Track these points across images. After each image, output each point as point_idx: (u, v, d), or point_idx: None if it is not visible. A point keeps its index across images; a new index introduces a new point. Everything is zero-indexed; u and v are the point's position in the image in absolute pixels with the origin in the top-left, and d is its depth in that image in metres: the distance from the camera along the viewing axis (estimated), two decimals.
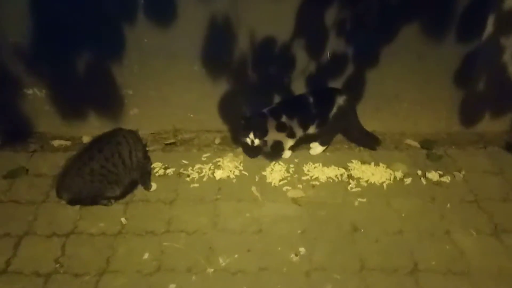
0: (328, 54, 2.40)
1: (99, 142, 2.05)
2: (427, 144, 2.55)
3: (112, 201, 2.12)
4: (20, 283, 1.76)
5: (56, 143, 2.59)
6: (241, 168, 2.42)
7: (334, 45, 2.37)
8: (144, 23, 2.29)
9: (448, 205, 2.14)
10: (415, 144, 2.58)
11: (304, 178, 2.35)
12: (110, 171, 2.00)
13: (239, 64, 2.42)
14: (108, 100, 2.56)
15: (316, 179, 2.34)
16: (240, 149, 2.57)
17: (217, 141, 2.64)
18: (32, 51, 2.36)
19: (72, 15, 2.29)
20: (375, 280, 1.76)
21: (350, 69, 2.45)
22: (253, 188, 2.27)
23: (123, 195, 2.16)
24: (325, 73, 2.46)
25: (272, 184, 2.30)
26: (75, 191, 2.00)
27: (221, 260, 1.87)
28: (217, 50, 2.39)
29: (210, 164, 2.43)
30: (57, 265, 1.84)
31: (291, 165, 2.43)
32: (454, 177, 2.31)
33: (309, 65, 2.44)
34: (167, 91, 2.52)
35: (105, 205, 2.11)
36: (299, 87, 2.51)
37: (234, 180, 2.33)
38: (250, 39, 2.35)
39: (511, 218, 2.05)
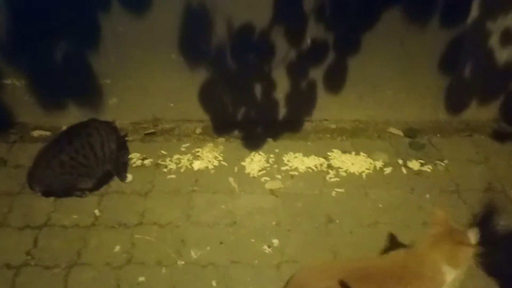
0: (308, 41, 2.33)
1: (69, 133, 2.03)
2: (410, 132, 2.50)
3: (87, 192, 2.11)
4: None
5: (36, 133, 2.57)
6: (221, 158, 2.39)
7: (314, 31, 2.30)
8: (118, 11, 2.23)
9: (428, 195, 2.09)
10: (399, 132, 2.52)
11: (283, 168, 2.31)
12: (80, 163, 1.97)
13: (218, 52, 2.37)
14: (86, 89, 2.52)
15: (296, 169, 2.30)
16: (221, 139, 2.54)
17: (198, 131, 2.60)
18: (9, 41, 2.32)
19: (48, 4, 2.25)
20: None
21: (331, 56, 2.38)
22: (231, 179, 2.24)
23: (97, 187, 2.14)
24: (306, 61, 2.40)
25: (251, 175, 2.27)
26: (46, 183, 1.99)
27: (192, 253, 1.85)
28: (194, 38, 2.33)
29: (189, 155, 2.40)
30: (29, 257, 1.83)
31: (271, 155, 2.39)
32: (436, 166, 2.26)
33: (289, 53, 2.38)
34: (145, 80, 2.48)
35: (79, 196, 2.09)
36: (280, 75, 2.45)
37: (212, 171, 2.30)
38: (227, 26, 2.28)
39: (491, 209, 2.00)
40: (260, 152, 2.42)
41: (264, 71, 2.44)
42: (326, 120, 2.64)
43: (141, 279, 1.74)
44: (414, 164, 2.28)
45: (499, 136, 2.46)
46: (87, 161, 1.99)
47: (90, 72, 2.44)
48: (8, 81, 2.48)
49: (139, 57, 2.40)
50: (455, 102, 2.52)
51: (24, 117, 2.61)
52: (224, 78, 2.47)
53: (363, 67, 2.41)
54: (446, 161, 2.29)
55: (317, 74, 2.45)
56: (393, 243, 1.85)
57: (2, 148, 2.45)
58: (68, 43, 2.35)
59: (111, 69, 2.44)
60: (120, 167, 2.19)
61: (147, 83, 2.50)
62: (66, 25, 2.29)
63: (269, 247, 1.87)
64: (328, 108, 2.59)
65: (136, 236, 1.92)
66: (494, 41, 2.29)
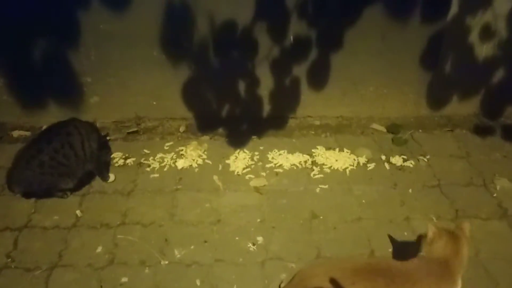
0: (291, 38, 2.33)
1: (48, 133, 1.99)
2: (393, 128, 2.51)
3: (68, 193, 2.07)
4: None
5: (15, 133, 2.53)
6: (205, 156, 2.37)
7: (296, 28, 2.29)
8: (99, 9, 2.20)
9: (410, 190, 2.11)
10: (381, 128, 2.54)
11: (268, 165, 2.30)
12: (61, 163, 1.94)
13: (200, 49, 2.35)
14: (67, 88, 2.48)
15: (280, 166, 2.30)
16: (205, 137, 2.52)
17: (181, 129, 2.58)
18: None
19: (26, 2, 2.20)
20: None
21: (314, 53, 2.38)
22: (215, 178, 2.23)
23: (79, 187, 2.11)
24: (289, 58, 2.40)
25: (235, 173, 2.26)
26: (25, 184, 1.95)
27: (176, 252, 1.83)
28: (176, 35, 2.31)
29: (173, 153, 2.38)
30: (9, 260, 1.80)
31: (256, 153, 2.39)
32: (418, 161, 2.28)
33: (272, 50, 2.37)
34: (127, 78, 2.45)
35: (60, 197, 2.06)
36: (264, 72, 2.44)
37: (197, 169, 2.29)
38: (209, 23, 2.27)
39: (473, 202, 2.03)
40: (245, 150, 2.41)
41: (248, 68, 2.43)
42: (310, 116, 2.64)
43: (124, 279, 1.72)
44: (397, 160, 2.29)
45: (480, 131, 2.49)
46: (67, 160, 1.95)
47: (70, 71, 2.41)
48: None
49: (120, 55, 2.37)
50: (437, 98, 2.54)
51: (3, 117, 2.56)
52: (207, 75, 2.45)
53: (346, 63, 2.42)
54: (428, 156, 2.31)
55: (300, 70, 2.44)
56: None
57: None
58: (48, 42, 2.31)
59: (91, 67, 2.41)
60: (102, 167, 2.15)
61: (129, 81, 2.47)
62: (45, 23, 2.25)
63: (253, 244, 1.86)
64: (312, 105, 2.59)
65: (118, 236, 1.90)
66: (474, 36, 2.32)
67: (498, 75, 2.45)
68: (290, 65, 2.43)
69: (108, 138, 2.40)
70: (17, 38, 2.29)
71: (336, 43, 2.35)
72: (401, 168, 2.25)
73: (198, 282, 1.70)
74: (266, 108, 2.59)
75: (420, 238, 1.75)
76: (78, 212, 2.01)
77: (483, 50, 2.36)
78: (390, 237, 1.86)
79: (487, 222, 1.93)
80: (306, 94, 2.54)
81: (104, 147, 2.25)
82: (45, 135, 1.99)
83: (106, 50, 2.34)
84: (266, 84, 2.49)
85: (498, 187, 2.11)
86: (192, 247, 1.85)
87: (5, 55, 2.36)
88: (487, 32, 2.30)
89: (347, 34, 2.32)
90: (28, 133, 2.51)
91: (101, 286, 1.69)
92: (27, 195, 2.04)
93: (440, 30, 2.29)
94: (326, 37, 2.33)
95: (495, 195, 2.07)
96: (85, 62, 2.38)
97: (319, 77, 2.48)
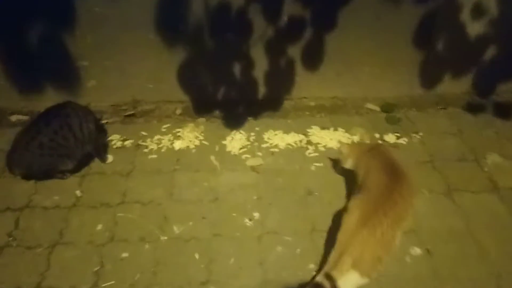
0: (285, 19, 2.34)
1: (46, 115, 2.02)
2: (387, 107, 2.55)
3: (68, 174, 2.11)
4: None
5: (14, 118, 2.55)
6: (202, 138, 2.41)
7: (290, 8, 2.31)
8: None
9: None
10: (375, 108, 2.57)
11: (264, 145, 2.34)
12: (60, 144, 1.97)
13: (195, 31, 2.36)
14: (64, 72, 2.49)
15: (276, 146, 2.34)
16: (201, 119, 2.55)
17: (178, 111, 2.61)
18: None
19: None
20: (324, 241, 1.79)
21: (309, 33, 2.40)
22: (212, 158, 2.27)
23: (78, 168, 2.14)
24: (283, 39, 2.42)
25: (232, 153, 2.30)
26: (25, 166, 1.98)
27: (175, 228, 1.88)
28: (171, 17, 2.32)
29: (170, 135, 2.42)
30: (10, 239, 1.84)
31: (252, 133, 2.42)
32: (411, 138, 2.32)
33: (267, 31, 2.39)
34: (123, 61, 2.46)
35: (60, 178, 2.09)
36: (259, 53, 2.46)
37: (194, 150, 2.32)
38: (204, 5, 2.28)
39: (464, 177, 2.08)
40: (241, 131, 2.44)
41: (243, 50, 2.45)
42: (305, 98, 2.67)
43: (125, 255, 1.76)
44: (390, 138, 2.34)
45: (472, 108, 2.53)
46: (66, 142, 1.98)
47: (67, 55, 2.42)
48: None
49: (117, 38, 2.38)
50: (430, 77, 2.57)
51: (1, 102, 2.57)
52: (203, 57, 2.47)
53: (340, 43, 2.44)
54: (421, 134, 2.36)
55: (295, 52, 2.47)
56: None
57: None
58: (44, 25, 2.32)
59: (88, 51, 2.42)
60: (100, 148, 2.19)
61: (125, 65, 2.48)
62: (41, 7, 2.25)
63: (250, 220, 1.91)
64: (307, 86, 2.62)
65: (118, 214, 1.94)
66: (465, 15, 2.34)
67: (490, 53, 2.48)
68: (284, 46, 2.45)
69: (103, 121, 2.42)
70: (13, 22, 2.29)
71: (330, 24, 2.37)
72: (394, 145, 2.29)
73: (197, 256, 1.75)
74: (262, 90, 2.62)
75: (335, 162, 2.09)
76: (77, 192, 2.05)
77: (475, 29, 2.39)
78: None
79: (478, 195, 1.98)
80: (301, 75, 2.57)
81: (101, 130, 2.28)
82: (43, 117, 2.01)
83: (102, 33, 2.35)
84: (261, 66, 2.51)
85: (489, 162, 2.15)
86: (190, 223, 1.89)
87: (2, 40, 2.37)
88: (478, 10, 2.32)
89: (341, 15, 2.34)
90: (26, 117, 2.53)
91: (102, 262, 1.74)
92: (27, 176, 2.08)
93: (433, 10, 2.32)
94: (320, 17, 2.35)
95: (486, 169, 2.12)
96: (81, 45, 2.39)
97: (313, 58, 2.50)
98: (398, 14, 2.33)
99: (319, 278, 1.43)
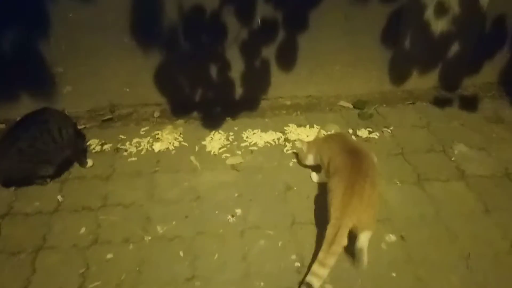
0: (258, 21, 2.41)
1: (24, 122, 2.02)
2: (359, 104, 2.65)
3: (48, 180, 2.11)
4: None
5: None
6: (181, 139, 2.44)
7: (263, 10, 2.38)
8: None
9: (375, 159, 2.23)
10: (348, 105, 2.67)
11: (243, 144, 2.40)
12: (39, 150, 1.97)
13: (170, 34, 2.40)
14: (39, 79, 2.49)
15: (255, 144, 2.40)
16: (180, 121, 2.59)
17: (156, 114, 2.64)
18: None
19: None
20: (304, 233, 1.86)
21: (282, 34, 2.48)
22: (192, 158, 2.31)
23: (58, 174, 2.14)
24: (257, 40, 2.48)
25: (212, 153, 2.34)
26: (4, 172, 1.98)
27: (158, 228, 1.91)
28: (145, 21, 2.35)
29: (149, 138, 2.44)
30: None
31: (231, 133, 2.48)
32: (383, 133, 2.43)
33: (241, 32, 2.45)
34: (99, 66, 2.48)
35: (40, 184, 2.09)
36: (234, 55, 2.52)
37: (173, 152, 2.36)
38: (178, 8, 2.32)
39: (433, 167, 2.19)
40: (220, 131, 2.50)
41: (218, 51, 2.51)
42: (281, 97, 2.75)
43: (109, 256, 1.78)
44: (363, 133, 2.43)
45: (439, 102, 2.66)
46: (46, 147, 1.98)
47: (41, 61, 2.42)
48: None
49: (91, 43, 2.40)
50: (398, 73, 2.69)
51: None
52: (179, 60, 2.51)
53: (312, 44, 2.53)
54: (392, 128, 2.46)
55: (269, 52, 2.54)
56: None
57: None
58: (17, 33, 2.31)
59: (63, 57, 2.43)
60: (80, 153, 2.20)
61: (101, 69, 2.50)
62: (13, 13, 2.25)
63: (232, 216, 1.96)
64: (282, 86, 2.69)
65: (100, 217, 1.95)
66: (429, 13, 2.47)
67: (454, 49, 2.62)
68: (259, 47, 2.52)
69: (81, 127, 2.43)
70: None
71: (301, 24, 2.46)
72: (367, 139, 2.39)
73: (181, 254, 1.79)
74: (239, 90, 2.68)
75: (296, 155, 2.25)
76: (59, 197, 2.05)
77: (439, 26, 2.52)
78: None
79: (447, 183, 2.10)
80: (276, 76, 2.64)
81: (79, 135, 2.28)
82: (21, 123, 2.01)
83: (76, 39, 2.37)
84: (237, 67, 2.57)
85: (456, 152, 2.27)
86: (173, 222, 1.93)
87: None
88: (441, 9, 2.45)
89: (312, 15, 2.43)
90: (2, 126, 2.51)
91: (87, 264, 1.75)
92: (6, 183, 2.07)
93: (398, 9, 2.43)
94: (292, 19, 2.43)
95: (453, 159, 2.24)
96: (56, 52, 2.40)
97: (287, 59, 2.58)
98: (366, 14, 2.44)
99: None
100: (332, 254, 1.54)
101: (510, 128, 2.43)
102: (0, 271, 1.74)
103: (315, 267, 1.55)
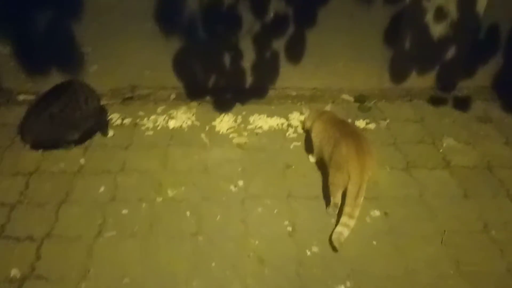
0: (271, 14, 2.63)
1: (56, 89, 2.27)
2: (360, 98, 2.86)
3: (72, 145, 2.35)
4: None
5: (21, 97, 2.78)
6: (193, 119, 2.67)
7: (276, 5, 2.60)
8: None
9: None
10: (350, 98, 2.88)
11: (249, 127, 2.62)
12: (68, 116, 2.22)
13: (190, 23, 2.63)
14: (68, 57, 2.74)
15: (260, 128, 2.61)
16: (193, 103, 2.82)
17: (172, 96, 2.87)
18: None
19: None
20: (298, 204, 2.07)
21: (291, 29, 2.70)
22: (203, 136, 2.54)
23: (82, 140, 2.39)
24: (269, 33, 2.70)
25: (220, 133, 2.57)
26: (36, 133, 2.22)
27: (169, 192, 2.14)
28: (168, 9, 2.59)
29: (165, 116, 2.68)
30: (22, 197, 2.08)
31: (239, 116, 2.70)
32: (379, 124, 2.63)
33: (254, 25, 2.67)
34: (123, 48, 2.72)
35: (65, 148, 2.34)
36: (246, 45, 2.75)
37: (186, 129, 2.59)
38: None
39: (422, 156, 2.38)
40: (229, 114, 2.72)
41: (232, 41, 2.73)
42: (287, 88, 2.96)
43: (125, 211, 2.02)
44: (361, 123, 2.64)
45: (435, 101, 2.85)
46: (73, 114, 2.23)
47: (72, 41, 2.67)
48: None
49: (118, 27, 2.64)
50: (398, 72, 2.89)
51: (10, 82, 2.81)
52: (196, 47, 2.74)
53: (319, 39, 2.74)
54: (387, 121, 2.66)
55: (279, 45, 2.76)
56: None
57: None
58: (52, 13, 2.56)
59: (91, 38, 2.67)
60: (102, 123, 2.44)
61: (125, 52, 2.74)
62: None
63: (235, 187, 2.18)
64: (289, 77, 2.91)
65: (118, 179, 2.19)
66: (429, 17, 2.67)
67: (450, 52, 2.81)
68: (270, 40, 2.74)
69: (104, 103, 2.67)
70: (23, 8, 2.53)
71: (310, 21, 2.67)
72: (363, 129, 2.59)
73: (188, 213, 2.01)
74: (249, 79, 2.90)
75: (303, 123, 2.46)
76: (82, 160, 2.30)
77: (437, 30, 2.71)
78: None
79: (432, 171, 2.29)
80: (284, 67, 2.86)
81: (102, 109, 2.53)
82: (54, 91, 2.26)
83: (105, 22, 2.61)
84: (248, 57, 2.79)
85: (444, 145, 2.47)
86: (182, 188, 2.16)
87: (12, 25, 2.60)
88: (440, 14, 2.65)
89: (320, 13, 2.64)
90: (32, 97, 2.76)
91: (105, 217, 1.99)
92: (36, 145, 2.32)
93: (400, 11, 2.63)
94: (301, 15, 2.65)
95: (441, 150, 2.43)
96: (86, 33, 2.64)
97: (295, 52, 2.79)
98: (370, 14, 2.64)
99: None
100: (357, 206, 1.81)
101: (497, 127, 2.61)
102: (27, 218, 1.98)
103: (345, 219, 1.81)
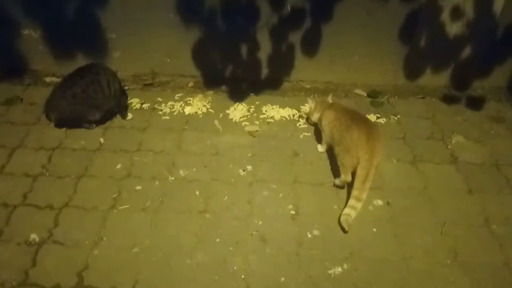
0: (288, 8, 2.71)
1: (81, 71, 2.40)
2: (373, 93, 2.90)
3: (93, 125, 2.49)
4: (13, 181, 2.14)
5: (48, 79, 2.94)
6: (208, 106, 2.78)
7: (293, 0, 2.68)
8: None
9: None
10: (363, 93, 2.93)
11: (261, 116, 2.70)
12: (90, 96, 2.35)
13: (210, 14, 2.73)
14: (94, 42, 2.88)
15: (272, 117, 2.70)
16: (209, 92, 2.92)
17: (190, 84, 2.99)
18: None
19: None
20: (303, 190, 2.15)
21: (308, 23, 2.76)
22: (216, 122, 2.64)
23: (102, 121, 2.52)
24: (286, 25, 2.78)
25: (233, 120, 2.66)
26: (60, 111, 2.37)
27: (181, 172, 2.25)
28: (190, 0, 2.70)
29: (181, 102, 2.79)
30: (44, 170, 2.22)
31: (252, 106, 2.79)
32: (390, 119, 2.67)
33: (272, 17, 2.75)
34: (145, 37, 2.84)
35: (87, 128, 2.47)
36: (263, 37, 2.83)
37: (201, 116, 2.69)
38: None
39: (430, 151, 2.42)
40: (243, 103, 2.81)
41: (250, 33, 2.82)
42: (302, 80, 3.03)
43: (138, 187, 2.14)
44: (372, 117, 2.68)
45: (448, 99, 2.87)
46: (95, 94, 2.36)
47: (98, 27, 2.80)
48: (26, 31, 2.83)
49: (141, 16, 2.76)
50: (412, 69, 2.92)
51: (37, 64, 2.97)
52: (215, 38, 2.84)
53: (334, 34, 2.80)
54: (399, 116, 2.70)
55: (295, 38, 2.83)
56: None
57: (18, 89, 2.83)
58: (80, 0, 2.71)
59: (116, 25, 2.80)
60: (122, 106, 2.57)
61: (147, 40, 2.86)
62: None
63: (244, 171, 2.27)
64: (304, 70, 2.98)
65: (134, 158, 2.32)
66: (445, 16, 2.69)
67: (466, 51, 2.82)
68: (286, 32, 2.82)
69: (125, 88, 2.80)
70: None
71: (326, 15, 2.73)
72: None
73: (197, 192, 2.12)
74: (264, 70, 2.98)
75: (307, 116, 2.59)
76: (101, 139, 2.43)
77: (453, 29, 2.73)
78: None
79: (439, 165, 2.32)
80: (300, 60, 2.93)
81: (123, 93, 2.66)
82: (78, 72, 2.40)
83: (129, 10, 2.73)
84: (265, 48, 2.88)
85: (453, 141, 2.49)
86: (194, 169, 2.26)
87: (42, 10, 2.75)
88: (456, 13, 2.67)
89: (337, 8, 2.70)
90: (58, 79, 2.90)
91: (120, 191, 2.11)
92: (59, 124, 2.46)
93: (416, 9, 2.66)
94: (318, 9, 2.71)
95: (449, 147, 2.46)
96: (111, 20, 2.78)
97: (311, 45, 2.86)
98: (386, 11, 2.68)
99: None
100: (365, 190, 1.89)
101: (509, 127, 2.62)
102: (48, 189, 2.12)
103: (353, 202, 1.90)
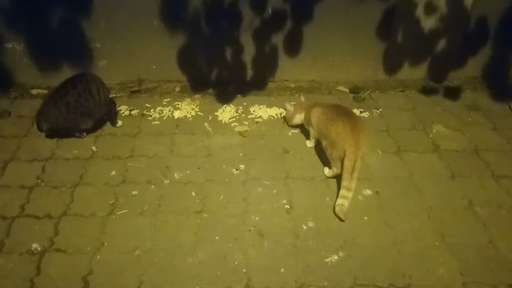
0: (270, 10, 2.79)
1: (71, 80, 2.44)
2: (355, 89, 3.01)
3: (84, 134, 2.52)
4: (9, 194, 2.16)
5: (34, 91, 2.95)
6: (197, 109, 2.83)
7: (274, 2, 2.76)
8: None
9: None
10: (345, 90, 3.03)
11: (250, 116, 2.78)
12: (82, 105, 2.39)
13: (194, 19, 2.80)
14: (79, 53, 2.91)
15: (260, 117, 2.77)
16: (197, 95, 2.98)
17: (177, 89, 3.04)
18: (10, 8, 2.69)
19: None
20: (295, 185, 2.23)
21: (289, 24, 2.85)
22: (206, 124, 2.70)
23: (93, 129, 2.55)
24: (268, 27, 2.86)
25: (223, 122, 2.73)
26: (53, 121, 2.39)
27: (175, 175, 2.30)
28: (173, 6, 2.75)
29: (170, 107, 2.84)
30: (39, 180, 2.24)
31: (240, 107, 2.86)
32: (372, 113, 2.78)
33: (254, 20, 2.83)
34: (131, 44, 2.88)
35: (78, 137, 2.50)
36: (247, 40, 2.91)
37: (190, 119, 2.75)
38: None
39: (412, 141, 2.53)
40: (231, 105, 2.88)
41: (233, 36, 2.89)
42: (286, 80, 3.11)
43: (134, 192, 2.18)
44: (355, 112, 2.78)
45: (426, 91, 3.00)
46: (87, 103, 2.40)
47: (83, 37, 2.83)
48: (9, 45, 2.84)
49: (126, 23, 2.80)
50: (391, 64, 3.04)
51: (23, 77, 2.98)
52: (200, 42, 2.90)
53: (316, 34, 2.89)
54: (381, 109, 2.82)
55: (278, 39, 2.91)
56: None
57: (5, 103, 2.84)
58: (63, 10, 2.73)
59: (101, 34, 2.84)
60: (113, 112, 2.60)
61: (132, 47, 2.91)
62: None
63: (237, 170, 2.34)
64: (288, 70, 3.06)
65: (128, 164, 2.36)
66: (420, 12, 2.82)
67: (441, 44, 2.95)
68: (269, 34, 2.90)
69: (112, 96, 2.84)
70: (36, 6, 2.69)
71: (307, 16, 2.83)
72: None
73: (193, 194, 2.17)
74: (249, 72, 3.06)
75: (285, 121, 2.68)
76: (93, 148, 2.46)
77: (428, 23, 2.86)
78: None
79: (422, 154, 2.44)
80: (283, 60, 3.01)
81: (111, 100, 2.69)
82: (69, 82, 2.43)
83: (114, 19, 2.78)
84: (249, 51, 2.95)
85: (434, 131, 2.61)
86: (188, 171, 2.32)
87: (25, 21, 2.76)
88: (430, 8, 2.80)
89: (316, 9, 2.80)
90: (45, 91, 2.93)
91: (117, 197, 2.15)
92: (50, 134, 2.48)
93: (392, 6, 2.79)
94: (299, 10, 2.81)
95: (430, 136, 2.58)
96: (95, 29, 2.81)
97: (293, 46, 2.95)
98: (363, 10, 2.79)
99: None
100: (354, 180, 1.99)
101: (485, 114, 2.76)
102: (45, 199, 2.14)
103: (344, 192, 2.00)
